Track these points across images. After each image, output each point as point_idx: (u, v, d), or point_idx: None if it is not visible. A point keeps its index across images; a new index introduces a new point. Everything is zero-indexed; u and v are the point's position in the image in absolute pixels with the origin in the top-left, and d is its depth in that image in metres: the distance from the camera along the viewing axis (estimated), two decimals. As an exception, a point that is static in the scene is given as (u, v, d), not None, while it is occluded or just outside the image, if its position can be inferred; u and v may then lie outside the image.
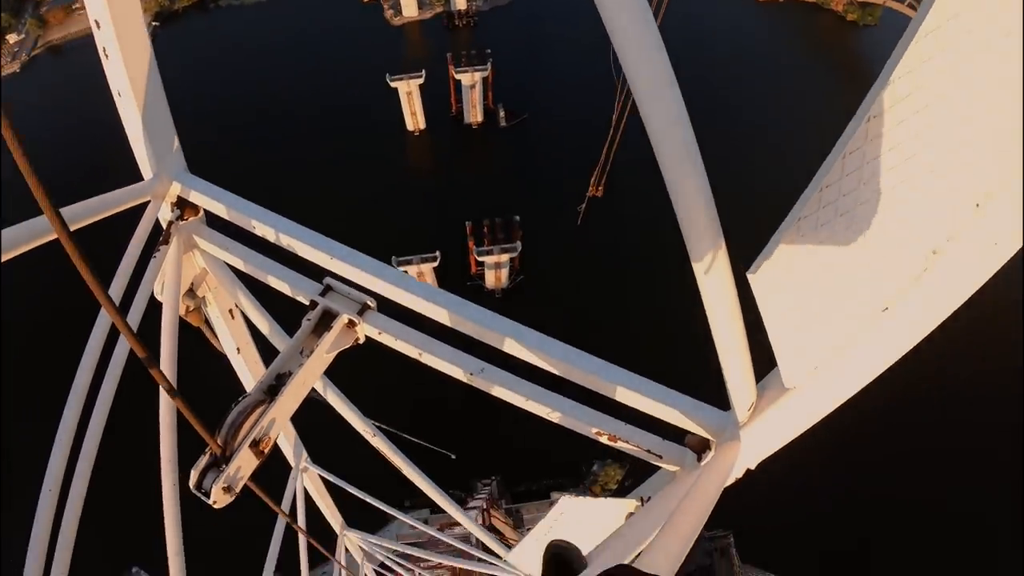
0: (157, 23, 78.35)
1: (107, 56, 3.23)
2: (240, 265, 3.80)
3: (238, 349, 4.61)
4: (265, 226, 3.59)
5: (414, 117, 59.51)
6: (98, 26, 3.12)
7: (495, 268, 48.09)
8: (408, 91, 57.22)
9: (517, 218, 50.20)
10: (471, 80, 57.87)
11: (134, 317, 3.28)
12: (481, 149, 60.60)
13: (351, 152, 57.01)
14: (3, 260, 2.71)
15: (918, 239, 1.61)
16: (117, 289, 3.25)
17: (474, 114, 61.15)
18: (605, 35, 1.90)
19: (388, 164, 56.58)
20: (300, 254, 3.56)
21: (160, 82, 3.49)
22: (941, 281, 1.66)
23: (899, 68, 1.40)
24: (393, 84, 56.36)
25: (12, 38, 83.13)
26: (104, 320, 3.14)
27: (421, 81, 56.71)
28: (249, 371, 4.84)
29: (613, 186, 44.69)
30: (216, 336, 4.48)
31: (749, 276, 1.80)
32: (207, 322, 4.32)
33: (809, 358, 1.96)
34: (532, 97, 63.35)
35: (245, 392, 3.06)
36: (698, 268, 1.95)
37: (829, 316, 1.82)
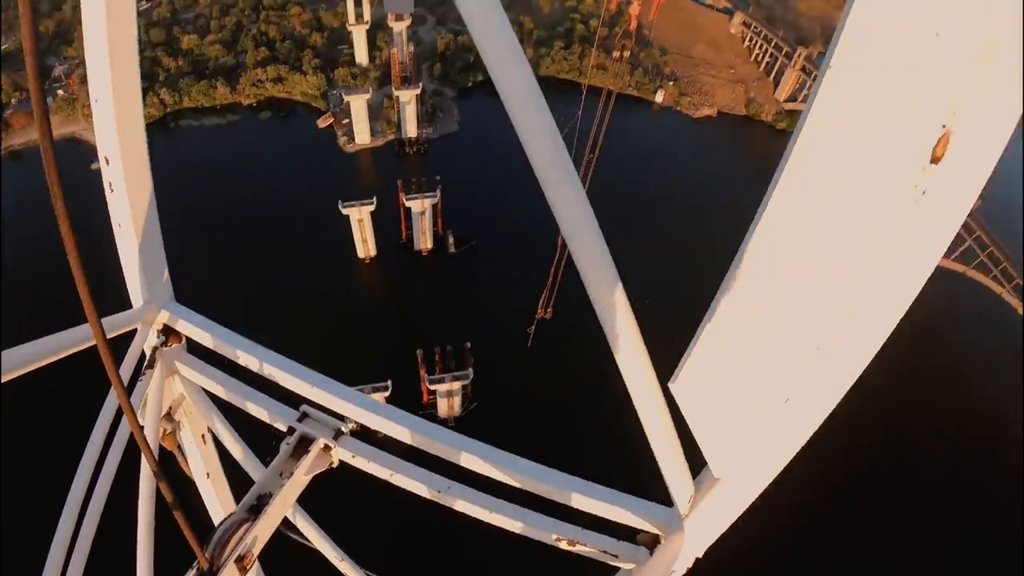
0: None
1: (112, 190, 3.54)
2: (221, 392, 4.01)
3: (207, 474, 4.69)
4: (249, 356, 3.86)
5: (365, 244, 60.32)
6: (107, 163, 3.45)
7: (447, 396, 47.56)
8: (359, 218, 58.31)
9: (468, 345, 50.16)
10: (421, 207, 59.39)
11: (121, 438, 3.46)
12: (431, 276, 61.32)
13: (302, 278, 57.13)
14: (49, 362, 3.04)
15: (800, 343, 2.01)
16: (109, 410, 3.44)
17: (424, 241, 62.18)
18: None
19: (339, 291, 56.68)
20: (281, 383, 3.81)
21: (156, 216, 3.80)
22: (821, 378, 2.06)
23: (753, 239, 1.90)
24: (345, 211, 57.35)
25: None
26: (96, 441, 3.33)
27: (372, 208, 57.98)
28: (216, 496, 4.85)
29: (561, 307, 45.90)
30: (187, 460, 4.59)
31: (670, 386, 2.23)
32: (179, 447, 4.45)
33: (731, 450, 2.32)
34: (480, 223, 64.87)
35: (209, 518, 3.25)
36: (629, 382, 2.38)
37: (742, 412, 2.20)
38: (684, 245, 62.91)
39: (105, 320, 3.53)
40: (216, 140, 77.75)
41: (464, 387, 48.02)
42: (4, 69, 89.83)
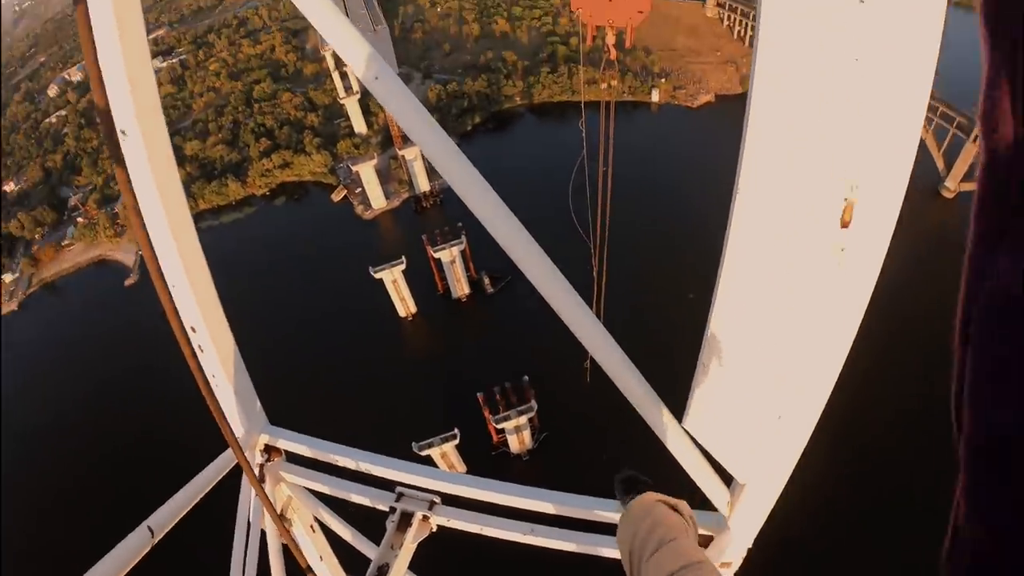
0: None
1: (202, 351, 4.13)
2: (323, 489, 4.75)
3: (320, 558, 5.44)
4: (343, 458, 4.57)
5: (404, 303, 60.90)
6: (194, 330, 4.04)
7: (516, 432, 47.83)
8: (393, 279, 59.07)
9: (526, 378, 50.29)
10: (450, 256, 59.61)
11: (253, 543, 4.23)
12: (474, 319, 61.43)
13: (350, 350, 58.35)
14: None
15: (775, 375, 2.35)
16: (242, 523, 4.20)
17: (460, 287, 62.47)
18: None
19: (388, 354, 57.67)
20: (376, 474, 4.52)
21: (241, 360, 4.40)
22: (800, 399, 2.39)
23: (718, 298, 2.25)
24: (377, 275, 58.15)
25: (7, 278, 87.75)
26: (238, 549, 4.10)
27: (403, 267, 58.53)
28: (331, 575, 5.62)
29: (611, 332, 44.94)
30: (300, 550, 5.26)
31: (683, 425, 2.71)
32: (293, 541, 5.14)
33: (746, 462, 2.75)
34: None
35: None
36: (648, 421, 2.90)
37: (746, 432, 2.62)
38: (714, 233, 61.44)
39: (221, 456, 4.21)
40: (237, 233, 79.54)
41: (530, 420, 47.97)
42: (20, 207, 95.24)
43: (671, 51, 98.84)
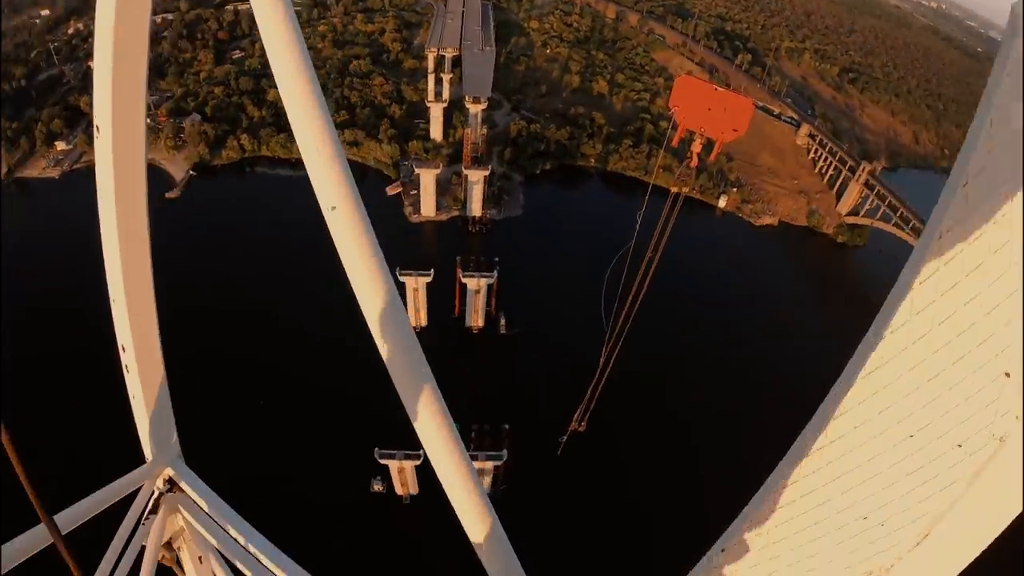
0: (194, 172, 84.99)
1: (128, 372, 4.31)
2: (214, 542, 4.96)
3: None
4: (238, 534, 4.80)
5: (417, 314, 61.32)
6: (123, 350, 4.18)
7: (479, 475, 44.35)
8: (415, 287, 59.41)
9: (507, 426, 51.54)
10: (477, 286, 61.04)
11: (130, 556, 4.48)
12: (477, 353, 61.73)
13: (354, 343, 58.57)
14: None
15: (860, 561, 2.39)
16: (113, 553, 4.44)
17: (475, 318, 64.08)
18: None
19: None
20: (263, 564, 4.78)
21: (167, 391, 4.65)
22: None
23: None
24: (401, 278, 57.15)
25: (60, 145, 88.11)
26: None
27: (429, 280, 59.11)
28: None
29: (596, 423, 39.82)
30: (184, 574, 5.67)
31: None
32: (178, 563, 5.52)
33: None
34: (534, 309, 64.71)
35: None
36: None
37: None
38: (741, 360, 62.61)
39: (110, 487, 4.51)
40: (286, 191, 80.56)
41: (496, 467, 47.41)
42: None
43: (751, 165, 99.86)
